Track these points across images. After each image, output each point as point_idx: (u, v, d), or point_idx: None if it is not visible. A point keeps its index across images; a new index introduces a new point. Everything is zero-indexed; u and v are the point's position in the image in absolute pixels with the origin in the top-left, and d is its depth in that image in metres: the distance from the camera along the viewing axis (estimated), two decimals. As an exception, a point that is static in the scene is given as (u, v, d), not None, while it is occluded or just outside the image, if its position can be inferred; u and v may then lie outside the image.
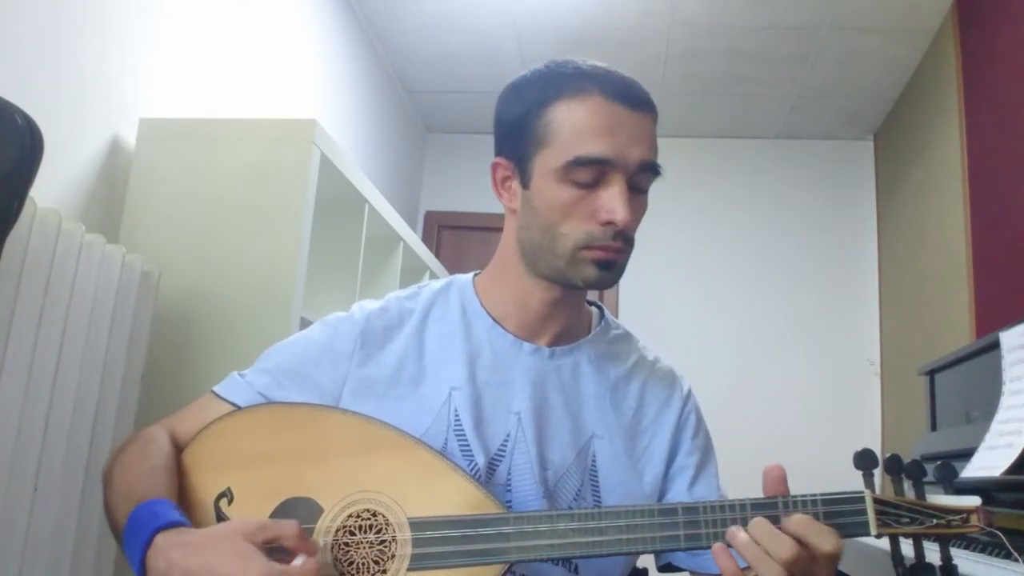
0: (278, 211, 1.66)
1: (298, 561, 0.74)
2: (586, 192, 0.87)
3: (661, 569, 1.00)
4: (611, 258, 0.89)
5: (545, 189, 0.89)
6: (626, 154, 0.87)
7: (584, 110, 0.87)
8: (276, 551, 0.75)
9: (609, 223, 0.87)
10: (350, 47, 3.05)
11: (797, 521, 0.72)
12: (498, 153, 0.96)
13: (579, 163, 0.86)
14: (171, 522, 0.76)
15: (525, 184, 0.92)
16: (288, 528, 0.76)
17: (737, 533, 0.73)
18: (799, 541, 0.71)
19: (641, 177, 0.90)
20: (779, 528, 0.72)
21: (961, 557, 1.17)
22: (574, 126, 0.87)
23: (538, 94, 0.91)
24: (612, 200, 0.86)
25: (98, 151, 1.68)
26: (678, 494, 0.97)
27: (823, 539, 0.71)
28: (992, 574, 1.05)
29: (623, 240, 0.89)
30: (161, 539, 0.75)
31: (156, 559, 0.73)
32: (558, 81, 0.90)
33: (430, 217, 4.07)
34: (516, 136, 0.92)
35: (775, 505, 0.76)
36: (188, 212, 1.68)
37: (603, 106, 0.87)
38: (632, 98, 0.89)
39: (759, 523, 0.73)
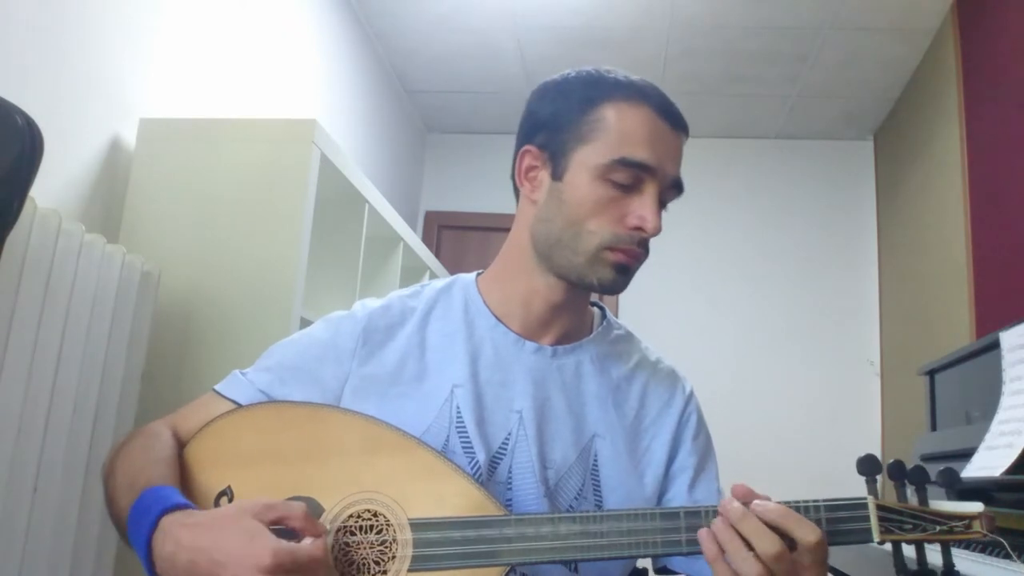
0: (278, 211, 1.66)
1: (307, 541, 0.74)
2: (620, 194, 0.89)
3: (657, 571, 1.00)
4: (630, 263, 0.91)
5: (580, 183, 0.90)
6: (664, 166, 0.90)
7: (635, 116, 0.90)
8: (283, 532, 0.75)
9: (638, 228, 0.89)
10: (350, 47, 3.05)
11: (776, 510, 0.72)
12: (527, 143, 0.96)
13: (624, 164, 0.88)
14: (177, 504, 0.76)
15: (557, 176, 0.92)
16: (295, 509, 0.76)
17: (719, 524, 0.73)
18: (782, 535, 0.71)
19: (669, 193, 0.93)
20: (758, 516, 0.72)
21: (961, 557, 1.17)
22: (624, 128, 0.89)
23: (586, 91, 0.93)
24: (644, 207, 0.89)
25: (98, 151, 1.68)
26: (678, 495, 0.97)
27: (805, 531, 0.71)
28: (992, 574, 1.05)
29: (643, 248, 0.91)
30: (167, 521, 0.74)
31: (163, 542, 0.73)
32: (609, 84, 0.92)
33: (430, 217, 4.07)
34: (554, 128, 0.93)
35: (776, 507, 0.75)
36: (188, 212, 1.68)
37: (653, 118, 0.91)
38: (675, 118, 0.93)
39: (746, 517, 0.72)
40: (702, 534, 0.74)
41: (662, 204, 0.93)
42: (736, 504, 0.73)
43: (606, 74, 0.94)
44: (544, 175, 0.94)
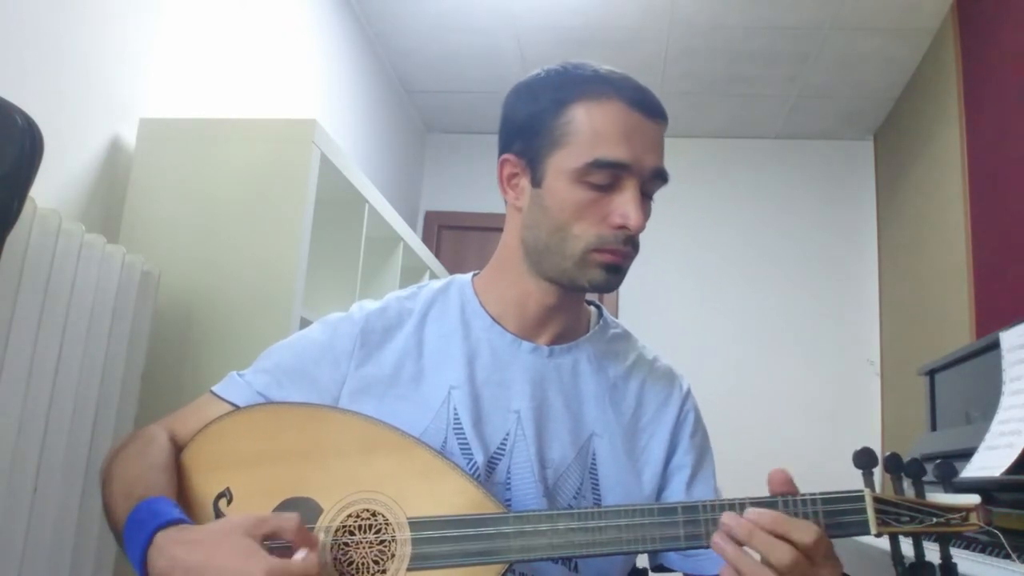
0: (278, 211, 1.66)
1: (299, 555, 0.74)
2: (600, 195, 0.88)
3: (654, 570, 1.00)
4: (618, 262, 0.90)
5: (558, 189, 0.89)
6: (642, 160, 0.88)
7: (605, 114, 0.88)
8: (277, 546, 0.75)
9: (622, 227, 0.88)
10: (350, 47, 3.05)
11: (769, 519, 0.72)
12: (506, 150, 0.96)
13: (598, 165, 0.87)
14: (172, 520, 0.76)
15: (536, 183, 0.92)
16: (288, 521, 0.76)
17: (726, 543, 0.73)
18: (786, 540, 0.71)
19: (651, 184, 0.91)
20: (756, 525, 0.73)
21: (961, 557, 1.17)
22: (594, 128, 0.88)
23: (555, 93, 0.91)
24: (626, 205, 0.87)
25: (98, 151, 1.68)
26: (675, 493, 0.97)
27: (802, 532, 0.71)
28: (992, 574, 1.05)
29: (631, 245, 0.90)
30: (162, 537, 0.74)
31: (158, 558, 0.73)
32: (577, 83, 0.91)
33: (430, 217, 4.08)
34: (529, 134, 0.92)
35: (775, 504, 0.76)
36: (188, 212, 1.68)
37: (623, 112, 0.88)
38: (649, 106, 0.90)
39: (755, 532, 0.72)
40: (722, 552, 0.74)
41: (647, 195, 0.91)
42: (741, 520, 0.73)
43: (575, 70, 0.92)
44: (525, 182, 0.94)
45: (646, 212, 0.91)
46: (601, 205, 0.88)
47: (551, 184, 0.90)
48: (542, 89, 0.93)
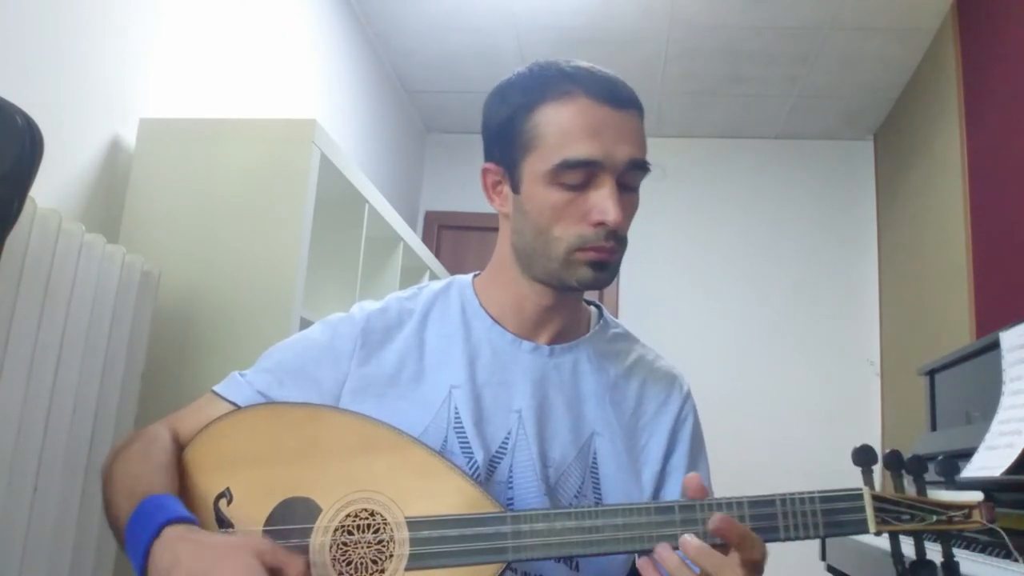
0: (278, 211, 1.66)
1: None
2: (576, 194, 0.88)
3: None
4: (604, 259, 0.89)
5: (535, 193, 0.89)
6: (614, 154, 0.87)
7: (569, 112, 0.87)
8: None
9: (601, 224, 0.87)
10: (350, 47, 3.05)
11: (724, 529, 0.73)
12: (487, 158, 0.96)
13: (567, 166, 0.86)
14: (181, 516, 0.76)
15: (515, 189, 0.92)
16: (296, 564, 0.75)
17: (663, 552, 0.75)
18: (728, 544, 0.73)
19: (630, 175, 0.90)
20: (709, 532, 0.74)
21: (961, 556, 1.17)
22: (560, 129, 0.87)
23: (522, 98, 0.91)
24: (603, 201, 0.87)
25: (98, 151, 1.68)
26: (671, 495, 0.97)
27: (753, 549, 0.72)
28: (992, 574, 1.05)
29: (616, 240, 0.89)
30: (170, 532, 0.74)
31: (162, 552, 0.73)
32: (541, 84, 0.90)
33: (430, 217, 4.08)
34: (503, 141, 0.92)
35: (772, 503, 0.76)
36: (188, 212, 1.68)
37: (588, 107, 0.87)
38: (616, 97, 0.88)
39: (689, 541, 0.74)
40: (644, 565, 0.75)
41: (630, 188, 0.90)
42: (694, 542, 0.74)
43: (540, 72, 0.91)
44: (507, 189, 0.94)
45: (630, 205, 0.91)
46: (578, 204, 0.88)
47: (528, 189, 0.90)
48: (511, 94, 0.92)
